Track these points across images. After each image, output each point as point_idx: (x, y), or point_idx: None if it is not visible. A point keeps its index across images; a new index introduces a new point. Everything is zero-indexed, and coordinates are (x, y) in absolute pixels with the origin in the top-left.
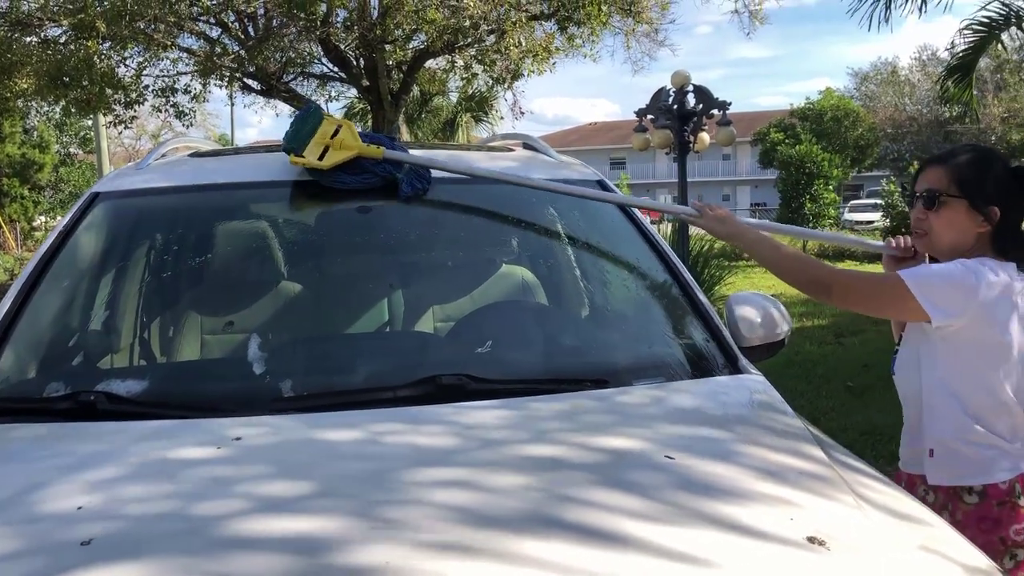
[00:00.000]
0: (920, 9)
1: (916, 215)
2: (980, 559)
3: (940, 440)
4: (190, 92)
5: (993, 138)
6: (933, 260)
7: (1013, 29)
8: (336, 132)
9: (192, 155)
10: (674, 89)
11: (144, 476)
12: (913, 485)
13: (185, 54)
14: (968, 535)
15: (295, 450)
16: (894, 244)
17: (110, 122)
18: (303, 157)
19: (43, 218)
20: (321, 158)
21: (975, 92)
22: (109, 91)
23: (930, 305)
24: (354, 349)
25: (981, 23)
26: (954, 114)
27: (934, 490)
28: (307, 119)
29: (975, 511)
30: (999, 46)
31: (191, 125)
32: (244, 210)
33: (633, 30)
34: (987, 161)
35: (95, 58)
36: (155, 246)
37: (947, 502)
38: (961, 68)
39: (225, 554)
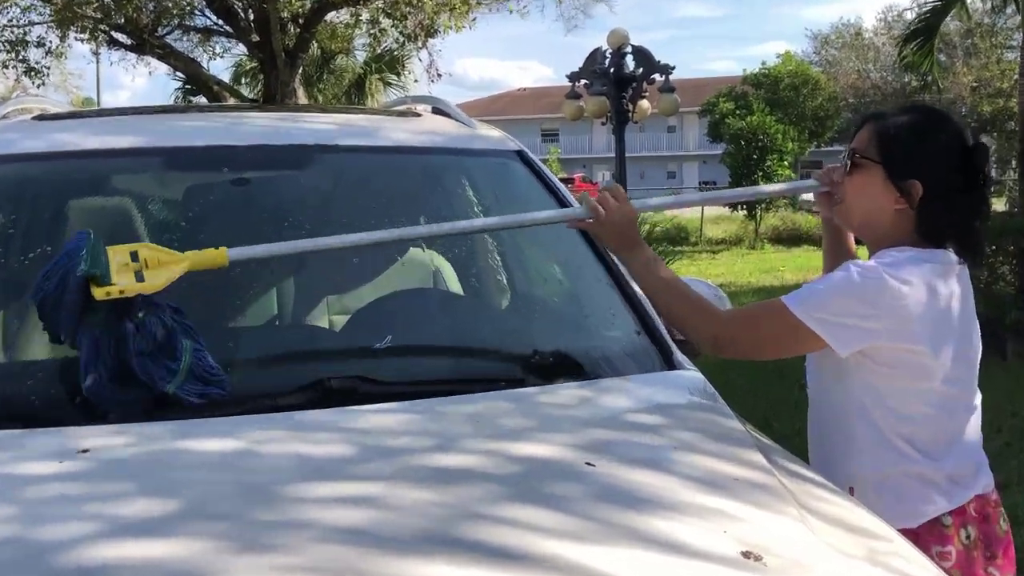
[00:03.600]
0: None
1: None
2: (932, 571)
3: (861, 478)
4: (45, 46)
5: (964, 109)
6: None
7: None
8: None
9: (37, 118)
10: (611, 50)
11: None
12: None
13: (39, 1)
14: None
15: (155, 463)
16: (821, 176)
17: None
18: (114, 285)
19: None
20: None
21: (943, 58)
22: None
23: (829, 333)
24: (229, 346)
25: None
26: (918, 83)
27: None
28: (95, 245)
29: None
30: (964, 9)
31: (44, 84)
32: (99, 183)
33: None
34: (928, 126)
35: None
36: None
37: None
38: (922, 32)
39: None
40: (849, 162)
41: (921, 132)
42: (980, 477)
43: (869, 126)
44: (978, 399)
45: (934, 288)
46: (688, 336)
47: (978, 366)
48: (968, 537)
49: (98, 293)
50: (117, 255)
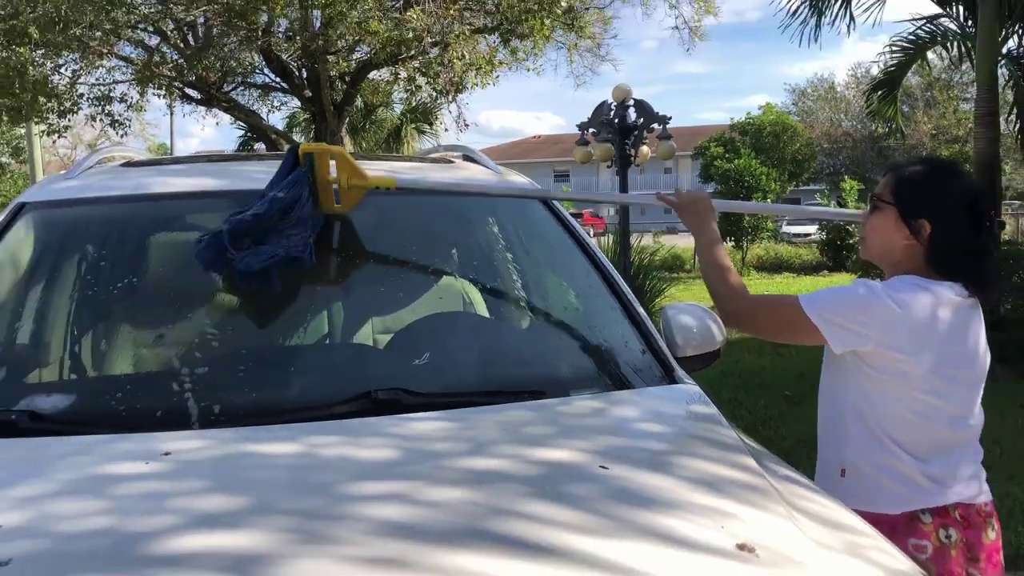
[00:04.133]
0: (848, 28)
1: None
2: (906, 564)
3: (852, 463)
4: (126, 101)
5: (924, 153)
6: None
7: (940, 49)
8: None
9: (124, 164)
10: (615, 103)
11: (68, 493)
12: None
13: (122, 62)
14: None
15: (226, 464)
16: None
17: (43, 131)
18: (323, 206)
19: None
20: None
21: (905, 108)
22: (42, 99)
23: (828, 331)
24: (288, 362)
25: (908, 41)
26: (883, 130)
27: None
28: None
29: (872, 516)
30: (924, 64)
31: (126, 135)
32: (177, 221)
33: (576, 45)
34: (936, 174)
35: (27, 65)
36: (85, 257)
37: None
38: (886, 83)
39: (153, 571)
40: (871, 204)
41: (930, 179)
42: (968, 487)
43: (889, 174)
44: (975, 418)
45: (925, 311)
46: (718, 306)
47: (977, 389)
48: (948, 537)
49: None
50: (322, 186)
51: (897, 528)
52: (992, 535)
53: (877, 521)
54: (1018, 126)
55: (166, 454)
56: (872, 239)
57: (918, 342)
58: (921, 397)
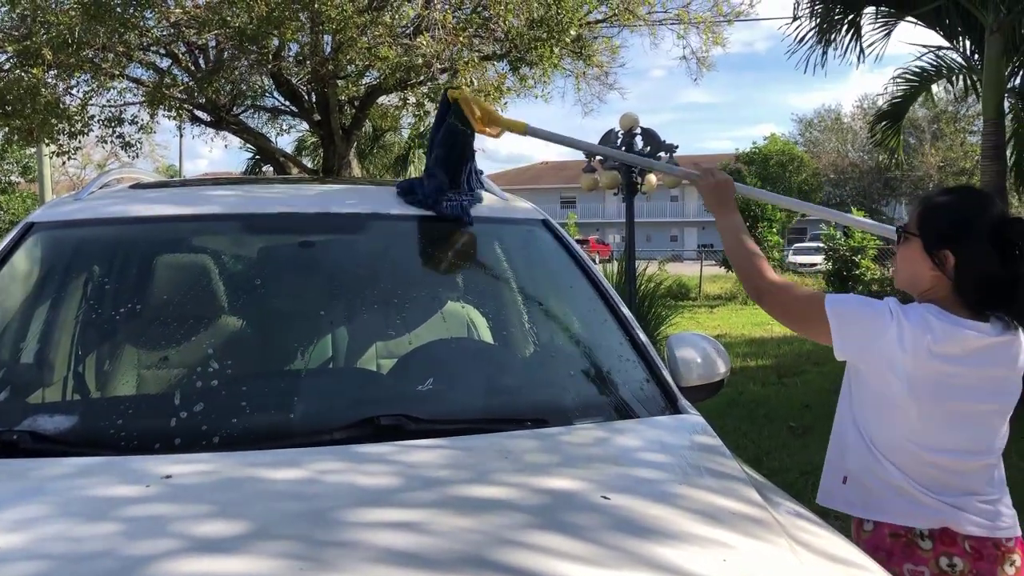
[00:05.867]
0: (858, 59)
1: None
2: None
3: (852, 472)
4: (137, 123)
5: (931, 185)
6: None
7: (945, 82)
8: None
9: (133, 186)
10: (622, 131)
11: (68, 515)
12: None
13: (133, 84)
14: None
15: (228, 488)
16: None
17: (53, 152)
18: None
19: None
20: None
21: (912, 140)
22: (53, 121)
23: (836, 334)
24: (291, 386)
25: (913, 73)
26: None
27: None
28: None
29: (870, 540)
30: (930, 97)
31: (137, 156)
32: (184, 243)
33: (584, 73)
34: (960, 204)
35: (40, 87)
36: (92, 278)
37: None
38: (891, 115)
39: None
40: (899, 235)
41: (955, 210)
42: (981, 518)
43: (916, 206)
44: (991, 452)
45: (933, 339)
46: (744, 283)
47: (996, 424)
48: (951, 566)
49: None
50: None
51: (894, 552)
52: (1011, 570)
53: (876, 534)
54: (1014, 159)
55: (167, 477)
56: (901, 270)
57: (915, 377)
58: (913, 426)
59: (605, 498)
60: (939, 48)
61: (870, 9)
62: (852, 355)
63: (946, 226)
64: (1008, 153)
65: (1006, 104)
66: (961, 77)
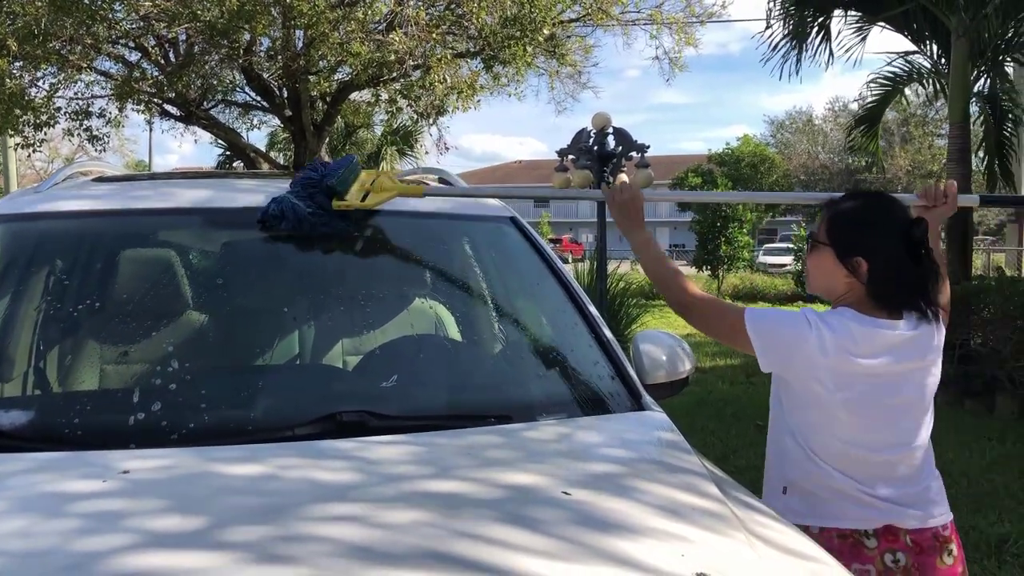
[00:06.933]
0: (827, 63)
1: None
2: None
3: (792, 481)
4: (105, 116)
5: (900, 187)
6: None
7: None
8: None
9: (96, 179)
10: (595, 130)
11: (23, 510)
12: None
13: (102, 77)
14: None
15: (186, 484)
16: (922, 193)
17: (18, 144)
18: (345, 201)
19: None
20: (363, 200)
21: (883, 143)
22: (18, 112)
23: (759, 351)
24: (253, 382)
25: (886, 77)
26: (862, 164)
27: None
28: (352, 169)
29: (817, 540)
30: (902, 99)
31: (105, 150)
32: (146, 237)
33: (557, 72)
34: (867, 211)
35: (4, 77)
36: (52, 272)
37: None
38: (868, 119)
39: None
40: (809, 245)
41: (863, 216)
42: (918, 510)
43: (824, 213)
44: (920, 443)
45: (853, 341)
46: (666, 297)
47: (921, 416)
48: (895, 562)
49: (335, 204)
50: (365, 175)
51: (842, 553)
52: (949, 560)
53: (823, 537)
54: (986, 162)
55: (125, 472)
56: (815, 277)
57: (840, 381)
58: (846, 428)
59: (566, 493)
60: (908, 53)
61: (839, 12)
62: (777, 368)
63: (856, 234)
64: (981, 156)
65: (975, 108)
66: (930, 81)
